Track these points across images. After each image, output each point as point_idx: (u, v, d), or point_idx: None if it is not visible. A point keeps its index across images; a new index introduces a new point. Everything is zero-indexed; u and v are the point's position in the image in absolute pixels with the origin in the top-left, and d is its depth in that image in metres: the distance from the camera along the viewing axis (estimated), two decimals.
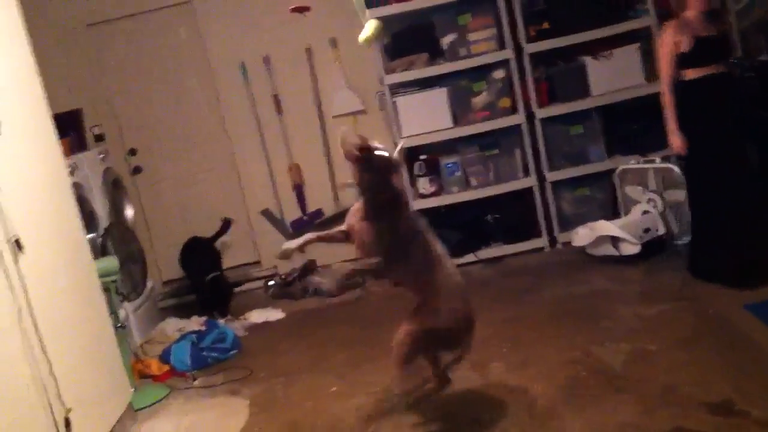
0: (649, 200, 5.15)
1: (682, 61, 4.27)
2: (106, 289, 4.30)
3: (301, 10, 4.01)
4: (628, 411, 3.21)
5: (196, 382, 4.53)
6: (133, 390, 4.24)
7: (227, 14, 6.16)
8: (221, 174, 6.46)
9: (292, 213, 6.38)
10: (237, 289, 5.98)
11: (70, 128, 5.57)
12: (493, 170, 5.68)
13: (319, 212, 6.36)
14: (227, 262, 6.11)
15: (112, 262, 4.39)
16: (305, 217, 6.36)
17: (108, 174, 5.48)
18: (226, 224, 6.04)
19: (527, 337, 4.21)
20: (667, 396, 3.27)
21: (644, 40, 5.53)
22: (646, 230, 5.01)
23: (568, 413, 3.27)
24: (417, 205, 5.66)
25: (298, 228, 6.36)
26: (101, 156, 5.51)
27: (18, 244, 3.17)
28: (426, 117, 5.61)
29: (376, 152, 3.20)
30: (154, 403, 4.32)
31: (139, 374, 4.66)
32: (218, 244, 6.02)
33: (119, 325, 4.38)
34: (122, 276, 4.60)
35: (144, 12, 6.20)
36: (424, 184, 5.68)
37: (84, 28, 6.21)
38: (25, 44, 3.76)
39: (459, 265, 5.53)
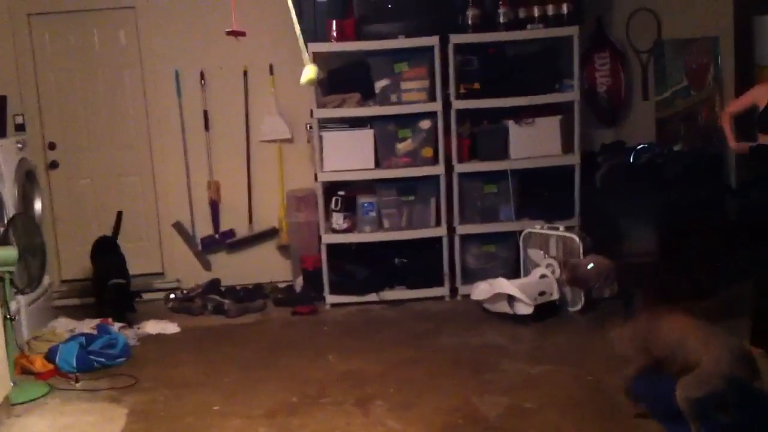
0: (548, 265, 5.37)
1: (759, 123, 4.58)
2: (1, 279, 4.24)
3: (237, 34, 4.08)
4: None
5: (78, 385, 4.47)
6: (12, 384, 4.18)
7: (169, 24, 6.18)
8: (138, 180, 6.40)
9: (204, 229, 6.38)
10: (137, 299, 5.89)
11: None
12: (406, 215, 5.81)
13: (231, 232, 6.37)
14: (130, 269, 6.01)
15: (10, 252, 4.33)
16: (216, 236, 6.36)
17: (22, 164, 5.39)
18: (118, 216, 6.01)
19: (416, 380, 4.32)
20: None
21: (566, 113, 5.81)
22: (542, 293, 5.21)
23: None
24: (328, 239, 5.77)
25: (207, 246, 6.37)
26: (19, 146, 5.42)
27: None
28: (349, 155, 5.72)
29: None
30: (32, 400, 4.25)
31: (22, 369, 4.58)
32: (123, 249, 5.96)
33: (9, 317, 4.31)
34: (19, 268, 4.52)
35: (88, 10, 6.15)
36: (338, 220, 5.77)
37: (24, 17, 6.14)
38: None
39: (360, 303, 5.74)
